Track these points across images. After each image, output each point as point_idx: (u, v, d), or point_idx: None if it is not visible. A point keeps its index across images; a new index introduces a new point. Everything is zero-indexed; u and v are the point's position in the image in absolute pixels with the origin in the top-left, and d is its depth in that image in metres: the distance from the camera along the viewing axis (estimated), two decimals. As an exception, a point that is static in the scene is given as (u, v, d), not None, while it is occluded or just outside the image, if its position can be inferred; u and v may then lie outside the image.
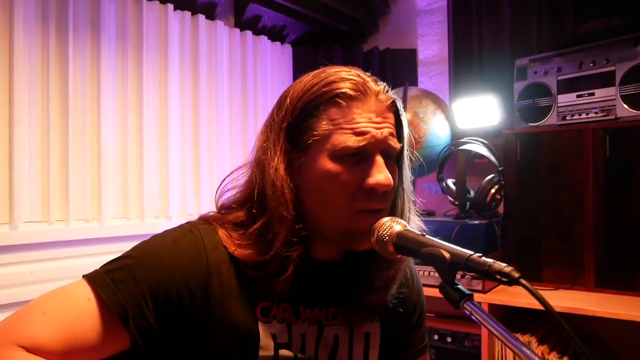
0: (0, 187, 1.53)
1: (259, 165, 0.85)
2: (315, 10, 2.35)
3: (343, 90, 0.80)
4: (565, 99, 1.92)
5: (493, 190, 1.87)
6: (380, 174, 0.79)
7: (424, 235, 0.84)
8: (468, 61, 2.36)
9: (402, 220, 0.84)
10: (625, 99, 1.77)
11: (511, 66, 2.04)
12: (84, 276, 0.78)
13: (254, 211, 0.85)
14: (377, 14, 2.65)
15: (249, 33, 2.26)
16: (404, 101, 2.07)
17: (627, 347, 1.87)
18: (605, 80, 1.82)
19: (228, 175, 0.90)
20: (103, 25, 1.75)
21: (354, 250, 0.85)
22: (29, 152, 1.58)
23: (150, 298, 0.77)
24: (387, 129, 0.80)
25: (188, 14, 2.02)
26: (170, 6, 1.94)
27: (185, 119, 2.02)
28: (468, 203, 1.89)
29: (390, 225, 0.84)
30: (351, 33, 2.60)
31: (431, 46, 2.56)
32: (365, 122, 0.80)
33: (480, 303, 0.94)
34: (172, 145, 1.95)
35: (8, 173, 1.54)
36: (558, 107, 1.92)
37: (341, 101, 0.80)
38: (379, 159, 0.80)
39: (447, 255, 0.78)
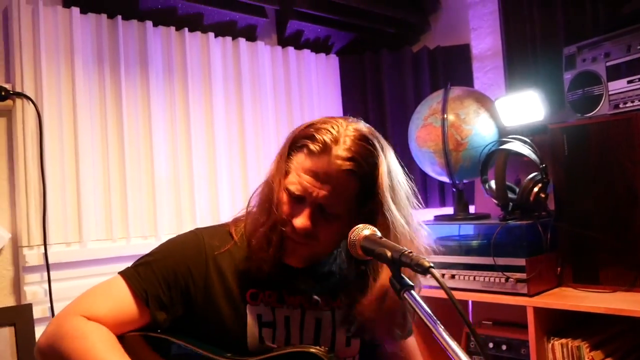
0: (70, 210, 1.95)
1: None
2: (359, 17, 2.60)
3: (309, 144, 1.13)
4: (616, 85, 1.98)
5: (536, 189, 1.98)
6: (298, 220, 1.13)
7: (381, 238, 1.09)
8: (521, 52, 2.47)
9: (373, 227, 1.12)
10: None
11: (561, 57, 2.12)
12: (119, 272, 1.20)
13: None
14: (427, 12, 2.83)
15: (290, 49, 2.56)
16: (444, 104, 2.24)
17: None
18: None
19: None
20: (151, 60, 2.15)
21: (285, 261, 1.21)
22: (93, 179, 2.01)
23: (164, 284, 1.17)
24: (323, 192, 1.12)
25: (229, 39, 2.38)
26: (212, 34, 2.31)
27: (232, 140, 2.36)
28: (511, 204, 2.02)
29: (359, 232, 1.12)
30: (400, 35, 2.81)
31: (484, 39, 2.69)
32: (308, 177, 1.13)
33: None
34: (220, 165, 2.30)
35: (76, 198, 1.97)
36: (609, 95, 1.99)
37: (307, 151, 1.14)
38: (307, 210, 1.13)
39: (389, 253, 1.02)
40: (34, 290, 1.88)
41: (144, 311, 1.16)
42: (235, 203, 2.33)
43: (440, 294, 2.16)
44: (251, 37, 2.44)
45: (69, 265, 1.95)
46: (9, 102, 1.84)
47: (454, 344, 0.92)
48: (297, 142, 1.17)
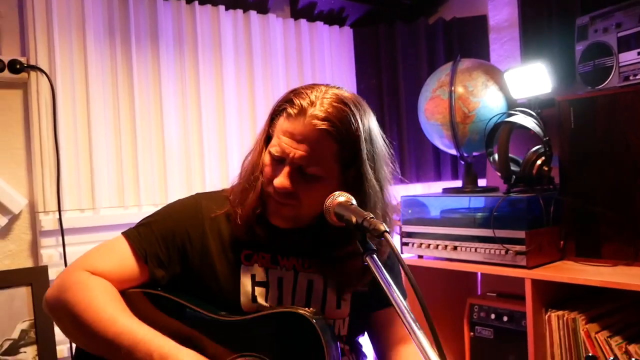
0: (84, 179, 2.06)
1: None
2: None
3: (288, 108, 1.20)
4: (627, 57, 1.94)
5: (539, 162, 1.97)
6: (277, 179, 1.19)
7: (352, 205, 1.14)
8: (537, 24, 2.42)
9: (348, 195, 1.17)
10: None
11: (573, 28, 2.08)
12: (122, 233, 1.30)
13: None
14: (444, -17, 2.80)
15: (303, 21, 2.58)
16: (453, 76, 2.23)
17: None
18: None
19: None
20: (161, 32, 2.21)
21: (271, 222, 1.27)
22: (105, 148, 2.10)
23: (163, 243, 1.26)
24: (300, 152, 1.18)
25: (240, 12, 2.41)
26: (222, 7, 2.35)
27: (243, 112, 2.42)
28: (513, 177, 2.02)
29: (334, 198, 1.17)
30: (416, 6, 2.79)
31: (502, 10, 2.65)
32: (286, 139, 1.19)
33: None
34: (231, 136, 2.36)
35: (89, 167, 2.06)
36: (620, 67, 1.95)
37: (286, 114, 1.20)
38: (286, 169, 1.19)
39: (353, 218, 1.07)
40: (49, 253, 2.00)
41: (143, 268, 1.25)
42: (244, 173, 2.39)
43: (444, 265, 2.19)
44: (263, 9, 2.47)
45: (82, 231, 2.06)
46: (23, 74, 1.94)
47: (405, 309, 0.94)
48: (279, 107, 1.24)
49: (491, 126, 2.11)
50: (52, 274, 1.97)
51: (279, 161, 1.21)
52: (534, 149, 2.00)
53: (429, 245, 2.21)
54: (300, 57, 2.59)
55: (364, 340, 1.48)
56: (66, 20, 2.01)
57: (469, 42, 2.70)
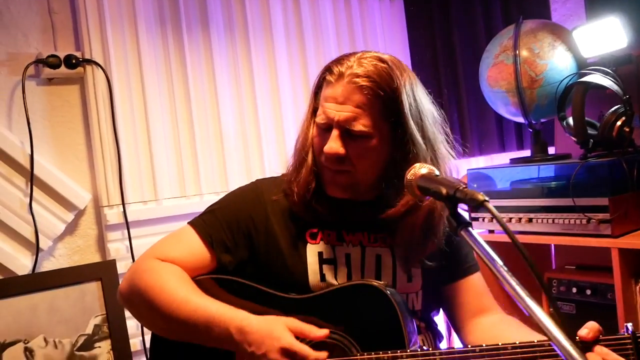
0: (145, 171, 2.03)
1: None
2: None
3: (327, 76, 1.21)
4: None
5: (619, 123, 1.83)
6: (327, 145, 1.18)
7: (437, 176, 1.07)
8: (604, -23, 2.26)
9: (430, 166, 1.11)
10: None
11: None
12: (188, 222, 1.31)
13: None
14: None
15: (353, -4, 2.49)
16: (516, 39, 2.10)
17: None
18: None
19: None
20: (211, 18, 2.16)
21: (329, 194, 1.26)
22: (163, 139, 2.07)
23: (228, 229, 1.27)
24: (344, 114, 1.16)
25: (288, -9, 2.34)
26: (271, -12, 2.28)
27: (297, 92, 2.35)
28: (591, 141, 1.88)
29: (416, 170, 1.10)
30: (469, -29, 2.65)
31: (562, -33, 2.49)
32: (329, 104, 1.18)
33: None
34: (286, 116, 2.30)
35: (149, 159, 2.04)
36: None
37: (326, 83, 1.22)
38: (334, 133, 1.18)
39: (443, 190, 0.99)
40: (116, 246, 1.99)
41: (211, 254, 1.26)
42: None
43: (519, 238, 2.08)
44: (311, -14, 2.39)
45: (146, 223, 2.04)
46: (80, 69, 1.92)
47: (514, 282, 0.86)
48: (321, 78, 1.25)
49: (563, 88, 1.97)
50: (121, 268, 1.96)
51: (326, 129, 1.21)
52: (613, 109, 1.86)
53: (510, 219, 2.07)
54: (352, 33, 2.49)
55: (439, 320, 1.42)
56: (117, 12, 1.98)
57: (528, 3, 2.55)
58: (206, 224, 1.28)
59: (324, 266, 1.24)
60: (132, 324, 1.96)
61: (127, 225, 1.96)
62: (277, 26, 2.30)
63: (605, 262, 1.97)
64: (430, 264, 1.27)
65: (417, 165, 1.11)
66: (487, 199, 0.89)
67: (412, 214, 1.22)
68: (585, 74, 1.93)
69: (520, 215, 2.03)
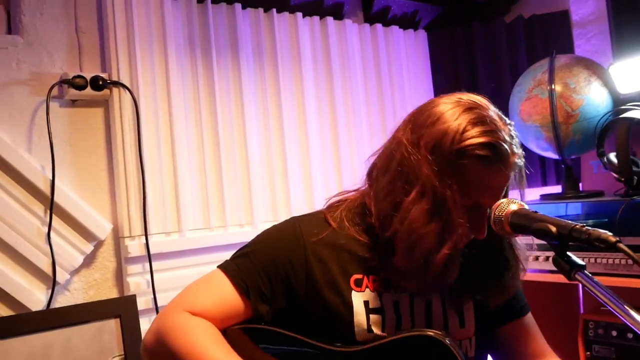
0: (169, 200, 1.92)
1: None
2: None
3: (486, 154, 1.00)
4: None
5: (665, 161, 1.79)
6: (481, 232, 1.07)
7: (535, 212, 0.98)
8: (632, 13, 2.25)
9: (518, 200, 1.03)
10: None
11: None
12: (218, 266, 1.16)
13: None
14: (519, -21, 2.64)
15: (378, 26, 2.44)
16: (551, 73, 2.06)
17: None
18: None
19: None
20: (241, 43, 2.09)
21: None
22: (189, 168, 1.96)
23: (264, 274, 1.12)
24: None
25: (316, 18, 2.28)
26: (300, 14, 2.22)
27: (324, 121, 2.27)
28: (636, 178, 1.83)
29: (506, 205, 1.02)
30: (491, 5, 2.63)
31: (586, 3, 2.48)
32: (495, 192, 1.06)
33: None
34: (313, 148, 2.22)
35: (174, 188, 1.93)
36: None
37: (486, 161, 1.01)
38: (485, 218, 1.06)
39: (553, 228, 0.90)
40: (136, 281, 1.86)
41: (246, 304, 1.12)
42: (329, 188, 2.24)
43: (553, 278, 2.00)
44: (338, 15, 2.34)
45: (169, 256, 1.92)
46: (106, 91, 1.82)
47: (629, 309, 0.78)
48: (469, 149, 1.01)
49: (603, 124, 1.93)
50: (141, 304, 1.83)
51: (476, 209, 1.07)
52: (659, 146, 1.82)
53: (537, 257, 2.01)
54: (377, 63, 2.45)
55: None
56: (147, 34, 1.89)
57: (551, 40, 2.54)
58: (240, 269, 1.13)
59: (371, 316, 1.12)
60: (153, 365, 1.82)
61: (150, 257, 1.84)
62: (305, 54, 2.24)
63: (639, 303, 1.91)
64: (481, 297, 1.18)
65: (504, 200, 1.04)
66: (619, 239, 0.80)
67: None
68: (625, 110, 1.89)
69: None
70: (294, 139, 2.19)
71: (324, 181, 2.25)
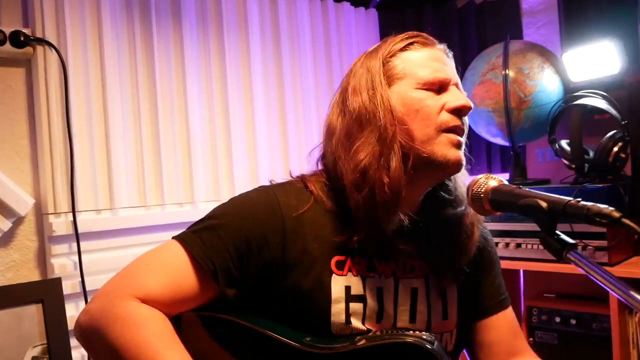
0: (99, 174, 1.73)
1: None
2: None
3: (415, 42, 1.05)
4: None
5: (616, 149, 1.78)
6: (460, 99, 1.00)
7: (519, 187, 0.90)
8: (581, 4, 2.25)
9: (497, 177, 0.94)
10: None
11: (635, 4, 1.93)
12: (174, 237, 0.97)
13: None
14: (472, -37, 2.60)
15: (330, 2, 2.33)
16: (505, 58, 2.03)
17: None
18: None
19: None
20: (184, 10, 1.91)
21: (447, 167, 1.00)
22: (123, 139, 1.78)
23: (236, 254, 0.95)
24: (456, 76, 1.04)
25: (265, -10, 2.14)
26: (248, -16, 2.07)
27: (270, 95, 2.14)
28: (587, 165, 1.83)
29: (485, 182, 0.93)
30: (442, -12, 2.58)
31: (535, -7, 2.48)
32: (436, 64, 1.01)
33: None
34: (259, 123, 2.08)
35: (106, 160, 1.75)
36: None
37: (412, 48, 1.04)
38: (453, 88, 1.02)
39: (544, 204, 0.82)
40: (62, 262, 1.67)
41: (208, 286, 0.95)
42: (275, 165, 2.11)
43: (505, 264, 1.98)
44: (289, -13, 2.21)
45: (99, 235, 1.74)
46: (28, 49, 1.61)
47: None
48: (391, 54, 1.04)
49: (556, 110, 1.91)
50: (67, 288, 1.64)
51: (441, 89, 1.01)
52: (610, 134, 1.81)
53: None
54: (327, 38, 2.34)
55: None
56: (78, -14, 1.69)
57: (501, 27, 2.51)
58: (205, 245, 0.94)
59: (352, 305, 0.99)
60: (78, 356, 1.64)
61: (77, 236, 1.65)
62: (253, 25, 2.10)
63: (582, 290, 1.93)
64: (467, 270, 1.07)
65: (481, 177, 0.96)
66: (622, 214, 0.74)
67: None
68: (578, 97, 1.88)
69: (508, 240, 1.93)
70: (239, 114, 2.05)
71: (270, 158, 2.12)
